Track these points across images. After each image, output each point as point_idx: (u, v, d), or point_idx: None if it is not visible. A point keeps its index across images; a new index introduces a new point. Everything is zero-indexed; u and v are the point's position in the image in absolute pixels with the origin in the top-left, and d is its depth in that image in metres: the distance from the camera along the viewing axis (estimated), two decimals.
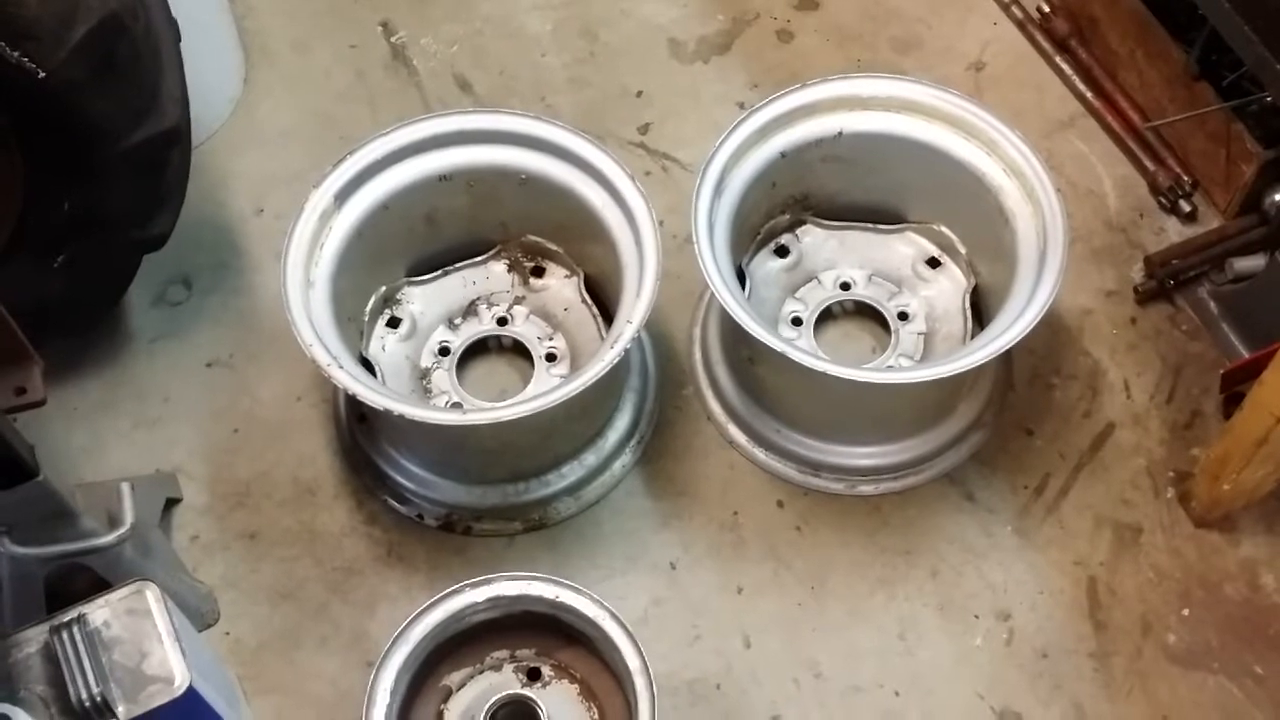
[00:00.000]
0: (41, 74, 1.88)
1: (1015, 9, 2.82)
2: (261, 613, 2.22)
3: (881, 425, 2.30)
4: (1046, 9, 2.78)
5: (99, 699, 1.65)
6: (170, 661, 1.71)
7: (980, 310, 2.35)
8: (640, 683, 1.88)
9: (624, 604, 2.06)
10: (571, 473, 2.28)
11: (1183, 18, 2.47)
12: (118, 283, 2.35)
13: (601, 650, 1.97)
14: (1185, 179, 2.56)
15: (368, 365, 2.27)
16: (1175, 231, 2.55)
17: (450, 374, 2.33)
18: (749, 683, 2.16)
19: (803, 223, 2.44)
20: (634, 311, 2.06)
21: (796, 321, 2.37)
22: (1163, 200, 2.57)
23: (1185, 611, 2.21)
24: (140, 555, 2.04)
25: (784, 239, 2.44)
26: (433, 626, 1.94)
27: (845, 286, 2.41)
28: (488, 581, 1.96)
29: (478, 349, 2.39)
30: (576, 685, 2.03)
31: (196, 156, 2.27)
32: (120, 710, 1.67)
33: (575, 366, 2.31)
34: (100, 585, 1.89)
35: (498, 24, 2.85)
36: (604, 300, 2.34)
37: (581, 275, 2.38)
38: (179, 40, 2.15)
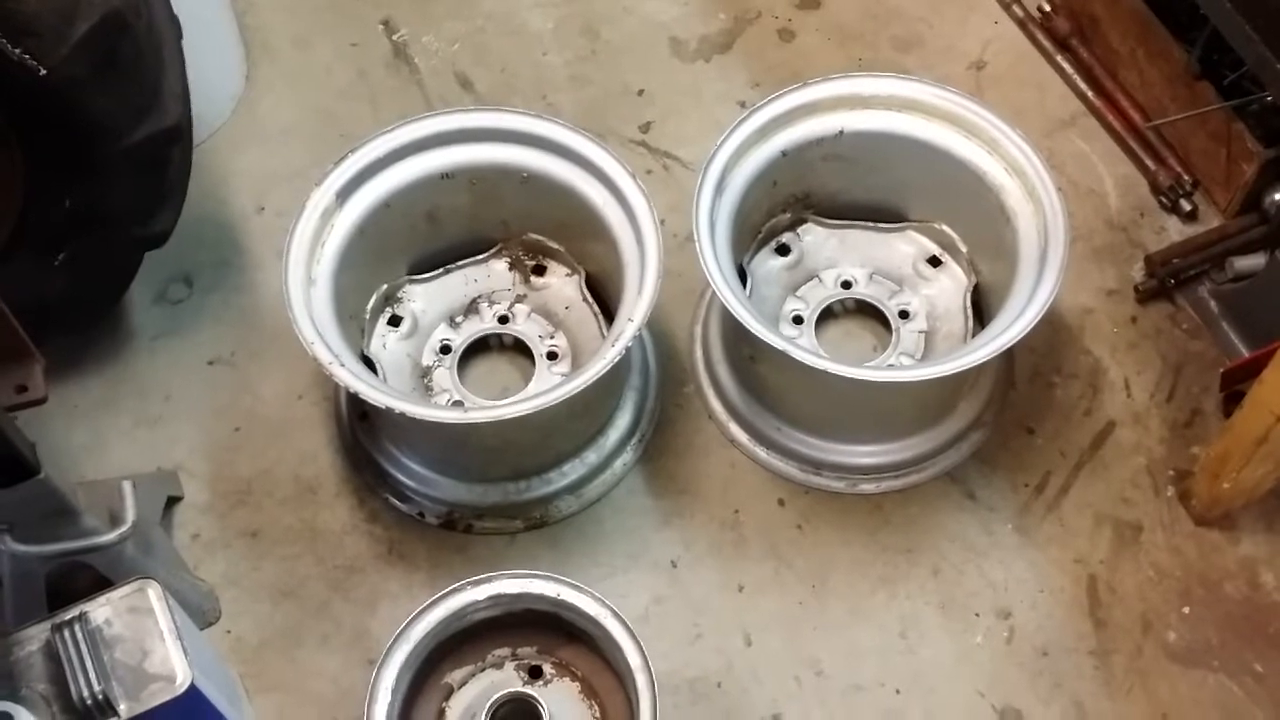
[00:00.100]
0: (42, 71, 1.87)
1: (1016, 8, 2.82)
2: (263, 611, 2.22)
3: (883, 424, 2.30)
4: (1047, 8, 2.78)
5: (100, 697, 1.65)
6: (172, 660, 1.71)
7: (981, 309, 2.35)
8: (641, 681, 1.88)
9: (625, 602, 2.06)
10: (573, 471, 2.28)
11: (1184, 17, 2.47)
12: (119, 280, 2.35)
13: (603, 648, 1.97)
14: (1186, 178, 2.56)
15: (369, 363, 2.27)
16: (1176, 230, 2.55)
17: (451, 372, 2.33)
18: (750, 681, 2.16)
19: (804, 221, 2.44)
20: (635, 310, 2.06)
21: (798, 320, 2.37)
22: (1163, 199, 2.57)
23: (1185, 610, 2.21)
24: (142, 553, 2.04)
25: (785, 237, 2.44)
26: (434, 624, 1.94)
27: (846, 285, 2.41)
28: (489, 579, 1.96)
29: (479, 347, 2.39)
30: (578, 683, 2.03)
31: (198, 154, 2.27)
32: (122, 708, 1.67)
33: (576, 365, 2.32)
34: (102, 583, 1.90)
35: (499, 22, 2.85)
36: (605, 299, 2.34)
37: (583, 273, 2.38)
38: (180, 37, 2.15)
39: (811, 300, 2.39)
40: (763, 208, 2.37)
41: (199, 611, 2.16)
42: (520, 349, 2.38)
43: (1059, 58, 2.74)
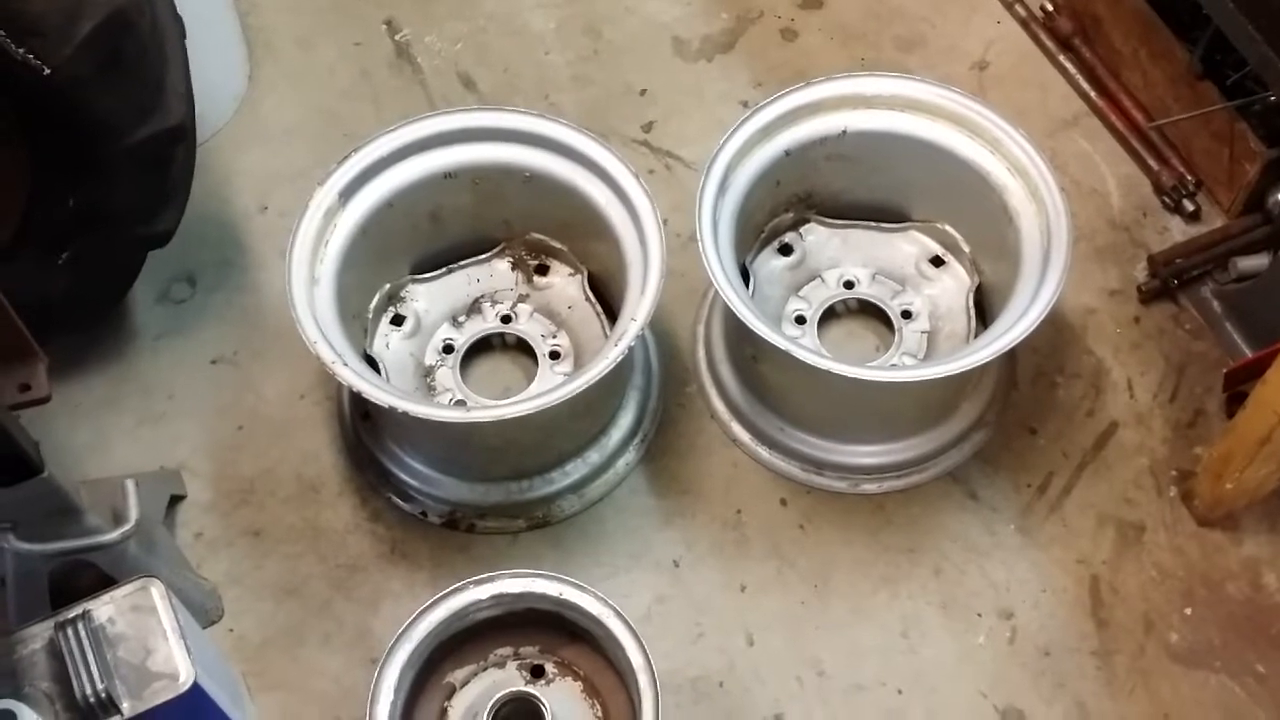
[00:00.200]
0: (47, 70, 1.88)
1: (1019, 8, 2.82)
2: (265, 609, 2.23)
3: (885, 424, 2.30)
4: (1050, 8, 2.78)
5: (104, 695, 1.66)
6: (175, 658, 1.71)
7: (984, 309, 2.35)
8: (644, 680, 1.88)
9: (627, 602, 2.06)
10: (575, 470, 2.28)
11: (1186, 17, 2.47)
12: (122, 279, 2.35)
13: (605, 648, 1.98)
14: (1189, 178, 2.56)
15: (372, 363, 2.28)
16: (1179, 231, 2.55)
17: (454, 371, 2.33)
18: (752, 681, 2.16)
19: (806, 221, 2.44)
20: (638, 309, 2.06)
21: (800, 320, 2.37)
22: (1166, 199, 2.57)
23: (1188, 610, 2.21)
24: (144, 552, 2.04)
25: (788, 237, 2.44)
26: (436, 624, 1.94)
27: (849, 285, 2.41)
28: (491, 579, 1.96)
29: (481, 347, 2.39)
30: (580, 683, 2.03)
31: (201, 154, 2.27)
32: (125, 706, 1.67)
33: (579, 364, 2.32)
34: (105, 582, 1.90)
35: (501, 22, 2.85)
36: (608, 298, 2.34)
37: (585, 273, 2.38)
38: (184, 36, 2.15)
39: (814, 300, 2.39)
40: (765, 207, 2.37)
41: (201, 610, 2.16)
42: (523, 348, 2.38)
43: (1062, 58, 2.74)
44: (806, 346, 2.16)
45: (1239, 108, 2.41)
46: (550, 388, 2.05)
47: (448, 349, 2.36)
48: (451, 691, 2.03)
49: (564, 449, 2.27)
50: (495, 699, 1.96)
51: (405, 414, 2.00)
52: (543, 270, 2.43)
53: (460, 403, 2.29)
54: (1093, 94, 2.69)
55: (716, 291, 2.11)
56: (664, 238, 2.13)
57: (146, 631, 1.72)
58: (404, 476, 2.29)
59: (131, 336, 2.47)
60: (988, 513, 2.30)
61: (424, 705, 2.01)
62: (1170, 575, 2.24)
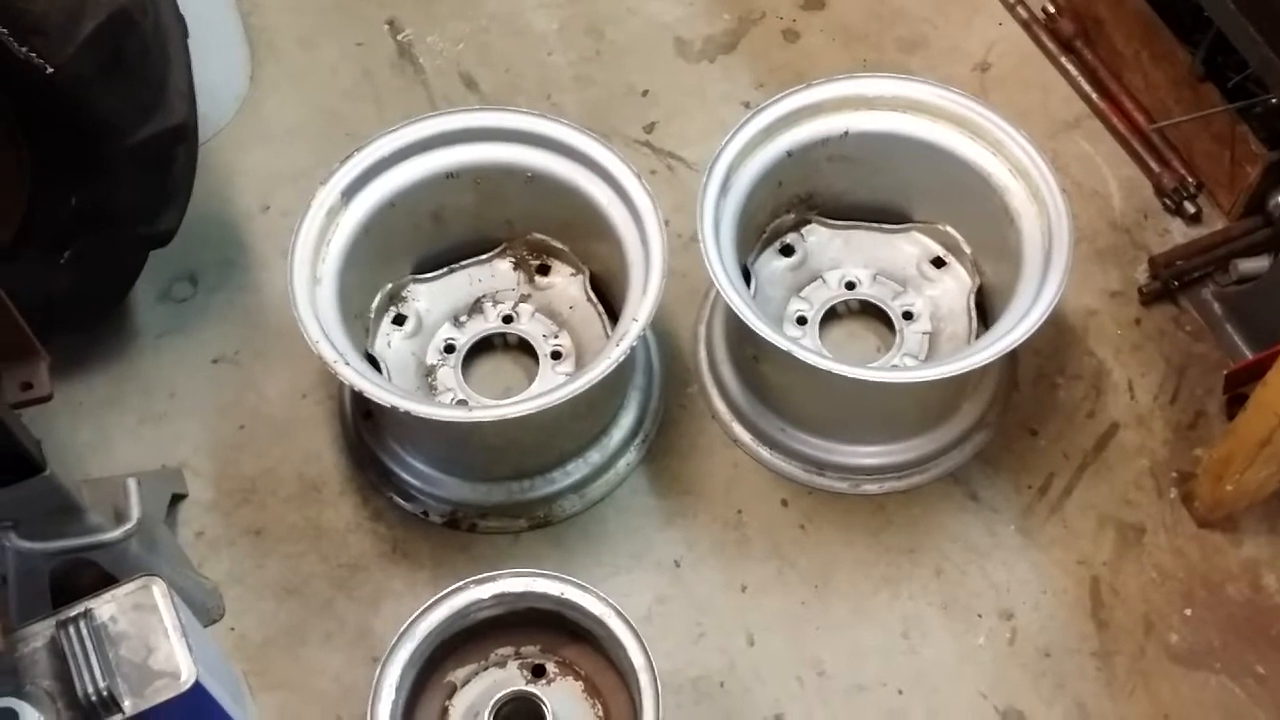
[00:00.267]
0: (49, 69, 1.88)
1: (1021, 9, 2.82)
2: (267, 608, 2.23)
3: (886, 424, 2.30)
4: (1052, 10, 2.78)
5: (105, 693, 1.66)
6: (176, 656, 1.71)
7: (985, 310, 2.35)
8: (645, 680, 1.88)
9: (628, 601, 2.06)
10: (576, 470, 2.28)
11: (1188, 19, 2.48)
12: (124, 279, 2.35)
13: (606, 647, 1.98)
14: (1190, 180, 2.56)
15: (373, 362, 2.28)
16: (1180, 233, 2.55)
17: (456, 371, 2.33)
18: (752, 681, 2.16)
19: (808, 222, 2.45)
20: (640, 309, 2.07)
21: (801, 321, 2.37)
22: (1167, 201, 2.57)
23: (1188, 611, 2.21)
24: (146, 551, 2.04)
25: (789, 238, 2.44)
26: (438, 623, 1.94)
27: (850, 286, 2.41)
28: (492, 578, 1.96)
29: (483, 346, 2.39)
30: (581, 682, 2.03)
31: (203, 153, 2.27)
32: (126, 705, 1.68)
33: (580, 364, 2.32)
34: (106, 580, 1.90)
35: (504, 22, 2.85)
36: (609, 298, 2.35)
37: (587, 273, 2.38)
38: (186, 36, 2.15)
39: (815, 301, 2.40)
40: (767, 208, 2.37)
41: (203, 609, 2.17)
42: (524, 348, 2.39)
43: (1063, 59, 2.74)
44: (808, 347, 2.16)
45: (1240, 110, 2.41)
46: (552, 388, 2.05)
47: (449, 349, 2.36)
48: (453, 691, 2.03)
49: (565, 449, 2.27)
50: (496, 698, 1.96)
51: (407, 413, 2.00)
52: (544, 270, 2.43)
53: (462, 402, 2.30)
54: (1094, 96, 2.69)
55: (718, 292, 2.11)
56: (666, 238, 2.13)
57: (148, 630, 1.73)
58: (405, 476, 2.29)
59: (133, 335, 2.47)
60: (988, 514, 2.30)
61: (425, 704, 2.01)
62: (1170, 576, 2.24)
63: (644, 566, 2.26)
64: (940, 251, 2.42)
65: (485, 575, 1.96)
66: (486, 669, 2.04)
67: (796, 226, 2.45)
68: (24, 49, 1.85)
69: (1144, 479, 2.32)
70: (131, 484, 1.95)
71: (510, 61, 2.80)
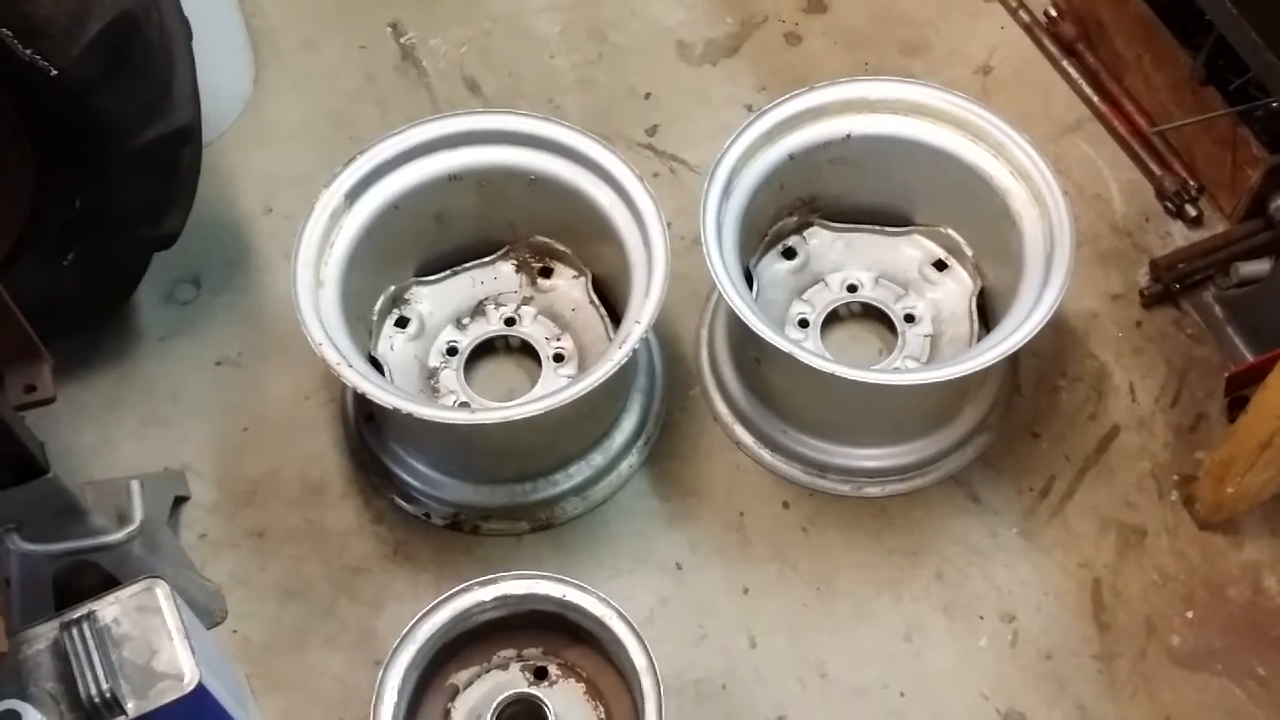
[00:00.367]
0: (54, 72, 1.88)
1: (1022, 13, 2.82)
2: (269, 611, 2.23)
3: (888, 427, 2.31)
4: (1053, 13, 2.78)
5: (108, 695, 1.66)
6: (179, 658, 1.71)
7: (987, 313, 2.35)
8: (647, 682, 1.88)
9: (630, 603, 2.06)
10: (579, 473, 2.29)
11: (1189, 23, 2.48)
12: (128, 281, 2.35)
13: (608, 649, 1.98)
14: (1191, 183, 2.56)
15: (376, 365, 2.28)
16: (1181, 236, 2.56)
17: (458, 374, 2.34)
18: (754, 683, 2.17)
19: (810, 225, 2.45)
20: (642, 312, 2.07)
21: (803, 323, 2.38)
22: (1168, 204, 2.57)
23: (1189, 614, 2.21)
24: (149, 553, 2.04)
25: (791, 241, 2.45)
26: (440, 625, 1.94)
27: (852, 289, 2.42)
28: (495, 580, 1.96)
29: (485, 349, 2.39)
30: (583, 684, 2.03)
31: (206, 156, 2.27)
32: (130, 706, 1.68)
33: (583, 367, 2.32)
34: (109, 582, 1.91)
35: (506, 25, 2.86)
36: (612, 301, 2.35)
37: (589, 276, 2.39)
38: (190, 38, 2.15)
39: (817, 304, 2.40)
40: (769, 211, 2.37)
41: (206, 611, 2.17)
42: (527, 351, 2.39)
43: (1065, 63, 2.74)
44: (810, 350, 2.16)
45: (1241, 113, 2.42)
46: (554, 390, 2.06)
47: (452, 351, 2.37)
48: (455, 693, 2.03)
49: (568, 451, 2.28)
50: (499, 700, 1.96)
51: (409, 416, 2.00)
52: (547, 273, 2.43)
53: (464, 405, 2.30)
54: (1096, 99, 2.69)
55: (720, 295, 2.12)
56: (668, 241, 2.13)
57: (151, 632, 1.73)
58: (408, 478, 2.30)
59: (136, 338, 2.47)
60: (990, 516, 2.30)
61: (427, 707, 2.02)
62: (1172, 579, 2.24)
63: (646, 568, 2.26)
64: (942, 254, 2.43)
65: (487, 577, 1.96)
66: (489, 671, 2.05)
67: (798, 229, 2.45)
68: (28, 51, 1.85)
69: (1145, 481, 2.32)
70: (134, 486, 1.95)
71: (513, 64, 2.80)
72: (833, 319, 2.41)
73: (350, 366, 2.04)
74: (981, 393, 2.34)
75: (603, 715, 2.01)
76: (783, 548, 2.27)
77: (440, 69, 2.80)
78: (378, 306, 2.33)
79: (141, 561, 2.00)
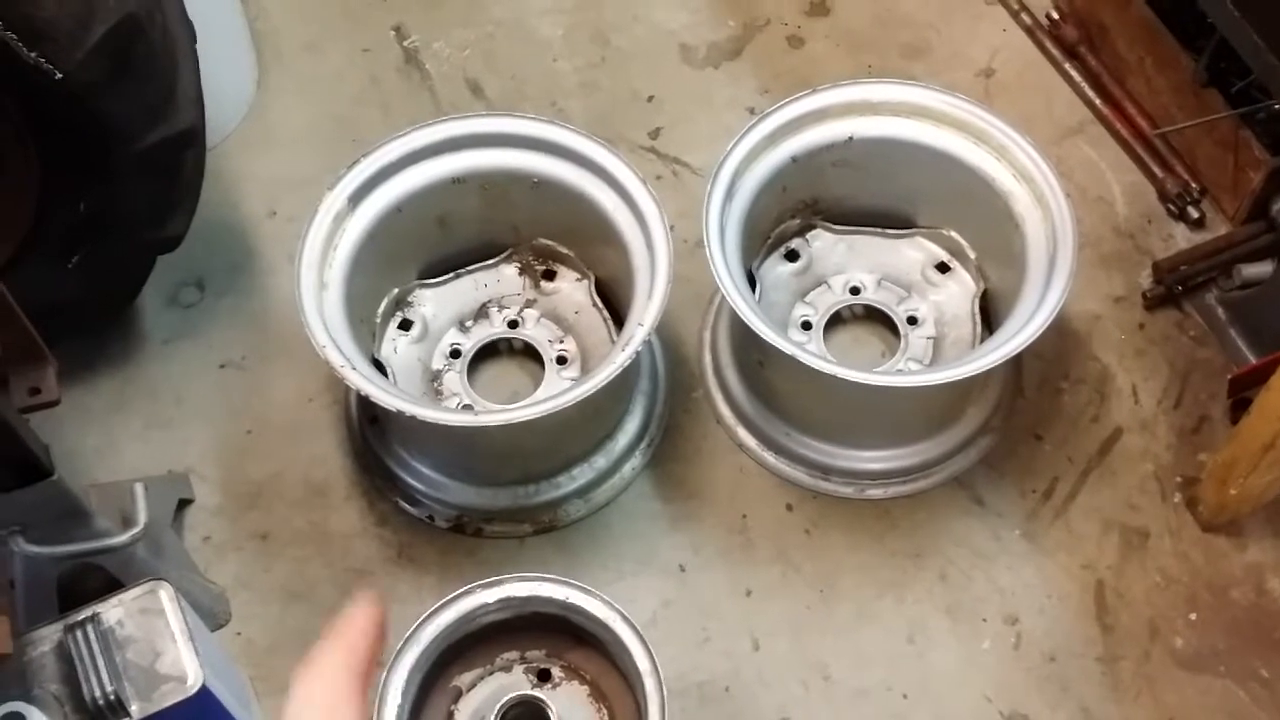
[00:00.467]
0: (58, 75, 1.88)
1: (1024, 16, 2.83)
2: (273, 613, 2.23)
3: (891, 429, 2.31)
4: (1056, 16, 2.79)
5: (112, 697, 1.66)
6: (184, 661, 1.72)
7: (989, 315, 2.36)
8: (650, 684, 1.88)
9: (634, 606, 2.06)
10: (582, 475, 2.29)
11: (1192, 25, 2.48)
12: (132, 284, 2.36)
13: (612, 652, 1.98)
14: (1193, 186, 2.57)
15: (379, 367, 2.28)
16: (1183, 238, 2.56)
17: (461, 376, 2.34)
18: (757, 685, 2.17)
19: (812, 227, 2.45)
20: (645, 314, 2.07)
21: (806, 326, 2.38)
22: (1171, 207, 2.58)
23: (1192, 616, 2.21)
24: (153, 555, 2.05)
25: (794, 243, 2.45)
26: (443, 627, 1.94)
27: (855, 291, 2.42)
28: (498, 583, 1.96)
29: (489, 351, 2.40)
30: (586, 686, 2.03)
31: (210, 159, 2.28)
32: (134, 709, 1.68)
33: (586, 369, 2.32)
34: (113, 585, 1.91)
35: (509, 28, 2.86)
36: (615, 304, 2.35)
37: (592, 278, 2.39)
38: (194, 41, 2.16)
39: (820, 306, 2.40)
40: (772, 214, 2.37)
41: (210, 613, 2.17)
42: (530, 353, 2.39)
43: (1067, 65, 2.75)
44: (813, 352, 2.17)
45: (1243, 116, 2.42)
46: (557, 392, 2.06)
47: (455, 354, 2.37)
48: (458, 695, 2.03)
49: (571, 454, 2.28)
50: (502, 702, 1.96)
51: (413, 418, 2.00)
52: (550, 275, 2.43)
53: (467, 407, 2.30)
54: (1098, 101, 2.70)
55: (723, 297, 2.12)
56: (671, 243, 2.13)
57: (155, 634, 1.73)
58: (411, 481, 2.30)
59: (140, 341, 2.48)
60: (993, 518, 2.30)
61: (431, 708, 2.02)
62: (1175, 581, 2.24)
63: (649, 571, 2.26)
64: (945, 256, 2.43)
65: (491, 580, 1.96)
66: (492, 673, 2.05)
67: (801, 232, 2.45)
68: (32, 54, 1.85)
69: (1148, 483, 2.33)
70: (138, 489, 1.95)
71: (516, 68, 2.81)
72: (835, 321, 2.41)
73: (354, 369, 2.04)
74: (984, 395, 2.34)
75: (606, 717, 2.01)
76: (786, 550, 2.28)
77: (443, 72, 2.81)
78: (381, 309, 2.34)
79: (145, 564, 2.01)
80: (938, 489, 2.32)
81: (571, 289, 2.42)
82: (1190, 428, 2.37)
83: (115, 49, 1.93)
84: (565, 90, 2.77)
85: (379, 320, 2.33)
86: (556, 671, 2.04)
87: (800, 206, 2.41)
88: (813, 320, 2.38)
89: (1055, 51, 2.77)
